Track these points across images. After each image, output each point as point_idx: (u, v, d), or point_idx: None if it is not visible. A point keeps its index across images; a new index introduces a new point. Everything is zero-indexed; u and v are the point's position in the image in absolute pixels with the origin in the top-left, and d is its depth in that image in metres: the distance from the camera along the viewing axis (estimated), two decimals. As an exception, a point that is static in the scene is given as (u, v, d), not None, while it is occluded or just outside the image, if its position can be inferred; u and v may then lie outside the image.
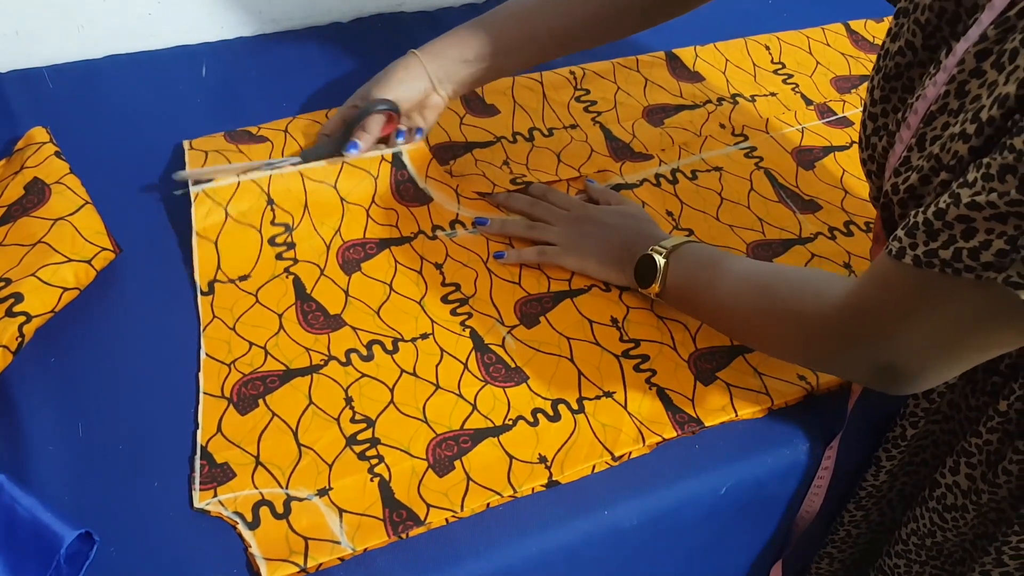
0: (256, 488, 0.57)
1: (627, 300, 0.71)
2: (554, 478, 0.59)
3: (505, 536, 0.57)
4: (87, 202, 0.69)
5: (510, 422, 0.62)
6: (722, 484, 0.62)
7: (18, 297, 0.61)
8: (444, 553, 0.55)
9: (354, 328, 0.67)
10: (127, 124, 0.83)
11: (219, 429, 0.60)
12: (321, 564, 0.53)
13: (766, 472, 0.63)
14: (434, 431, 0.61)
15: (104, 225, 0.69)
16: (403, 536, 0.55)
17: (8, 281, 0.62)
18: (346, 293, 0.69)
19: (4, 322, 0.60)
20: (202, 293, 0.68)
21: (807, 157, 0.86)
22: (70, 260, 0.64)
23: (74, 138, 0.77)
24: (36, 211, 0.68)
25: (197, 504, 0.56)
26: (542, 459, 0.60)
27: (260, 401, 0.61)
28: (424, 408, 0.62)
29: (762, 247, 0.77)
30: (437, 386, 0.64)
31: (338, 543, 0.54)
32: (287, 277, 0.70)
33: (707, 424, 0.63)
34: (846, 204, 0.82)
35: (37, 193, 0.69)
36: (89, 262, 0.66)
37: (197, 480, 0.57)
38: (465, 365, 0.65)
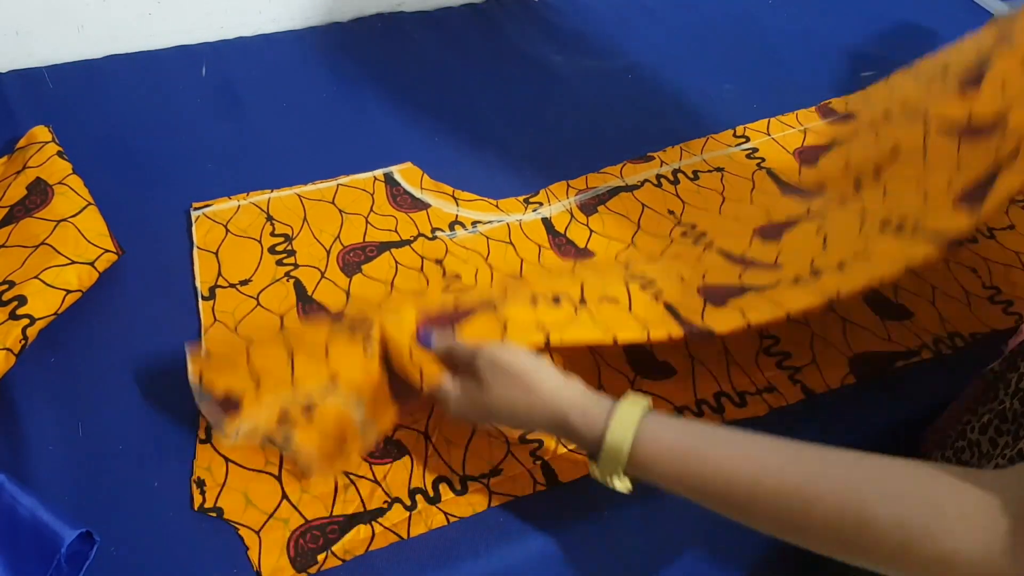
0: (266, 407, 0.55)
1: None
2: (551, 344, 0.55)
3: (505, 536, 0.57)
4: (90, 203, 0.69)
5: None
6: (722, 485, 0.62)
7: (22, 300, 0.61)
8: (444, 554, 0.55)
9: None
10: (127, 124, 0.83)
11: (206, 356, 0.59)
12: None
13: (765, 473, 0.63)
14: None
15: (107, 227, 0.69)
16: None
17: (12, 284, 0.62)
18: (347, 294, 0.69)
19: (8, 325, 0.60)
20: (203, 298, 0.68)
21: (810, 155, 0.86)
22: (73, 262, 0.65)
23: (74, 138, 0.77)
24: (39, 212, 0.68)
25: (227, 435, 0.55)
26: (540, 327, 0.56)
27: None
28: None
29: (768, 228, 0.73)
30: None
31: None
32: (288, 281, 0.70)
33: (717, 331, 0.57)
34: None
35: (40, 194, 0.69)
36: (92, 264, 0.66)
37: (216, 417, 0.56)
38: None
